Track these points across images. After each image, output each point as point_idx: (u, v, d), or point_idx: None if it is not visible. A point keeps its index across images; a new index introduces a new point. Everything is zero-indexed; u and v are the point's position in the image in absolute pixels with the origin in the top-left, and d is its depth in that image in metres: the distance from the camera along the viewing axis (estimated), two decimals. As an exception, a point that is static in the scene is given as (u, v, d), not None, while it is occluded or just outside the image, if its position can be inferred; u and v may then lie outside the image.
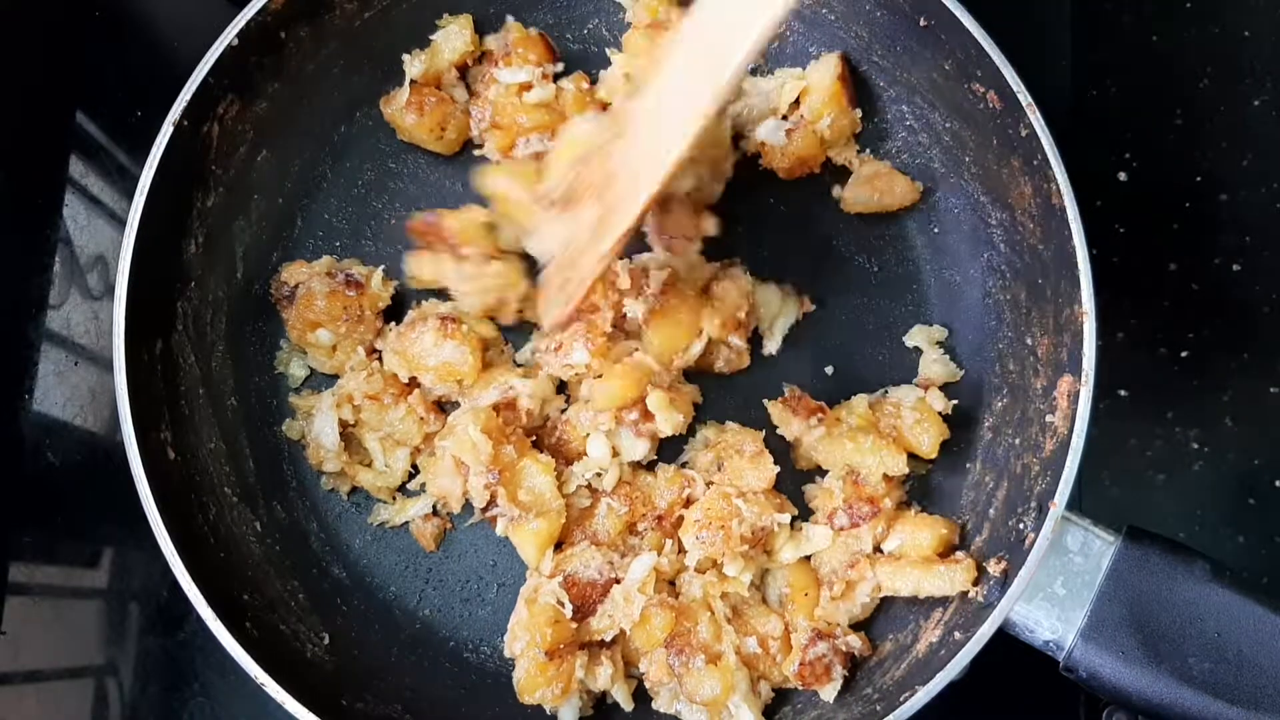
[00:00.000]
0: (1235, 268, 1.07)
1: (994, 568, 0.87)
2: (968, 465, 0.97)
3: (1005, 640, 0.83)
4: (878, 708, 0.85)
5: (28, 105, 1.15)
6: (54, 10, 1.17)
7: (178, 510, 0.88)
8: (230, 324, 1.00)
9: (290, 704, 0.83)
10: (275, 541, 0.97)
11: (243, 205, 1.00)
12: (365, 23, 1.02)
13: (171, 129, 0.91)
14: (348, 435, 0.99)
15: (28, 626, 1.02)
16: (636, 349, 0.96)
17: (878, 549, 0.94)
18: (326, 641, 0.95)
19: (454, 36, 1.02)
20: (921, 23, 0.93)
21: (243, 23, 0.92)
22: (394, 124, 1.02)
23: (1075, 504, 1.01)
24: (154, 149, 0.90)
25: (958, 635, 0.85)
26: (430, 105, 1.01)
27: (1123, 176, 1.10)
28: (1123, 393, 1.06)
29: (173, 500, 0.88)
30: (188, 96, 0.91)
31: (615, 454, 0.95)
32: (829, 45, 1.02)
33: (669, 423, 0.94)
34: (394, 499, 0.99)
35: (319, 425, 0.98)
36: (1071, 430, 0.84)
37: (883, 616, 0.96)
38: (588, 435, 0.96)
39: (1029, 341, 0.94)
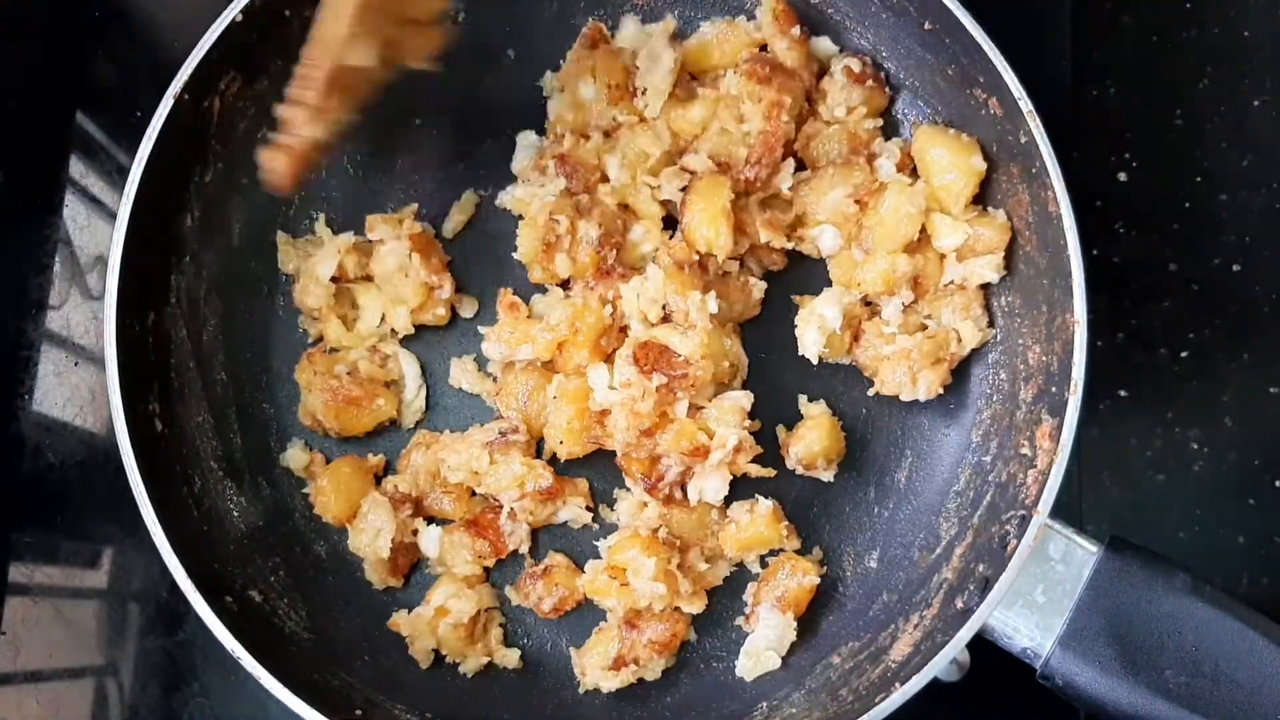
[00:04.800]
0: (1235, 268, 1.08)
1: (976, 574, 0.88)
2: (958, 472, 0.97)
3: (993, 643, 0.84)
4: (852, 708, 0.85)
5: (28, 105, 1.15)
6: (54, 10, 1.17)
7: (162, 481, 0.89)
8: (224, 299, 1.00)
9: (265, 678, 0.83)
10: (258, 517, 0.98)
11: (241, 182, 1.00)
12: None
13: (172, 101, 0.90)
14: (338, 291, 1.01)
15: (28, 626, 1.02)
16: None
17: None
18: (305, 617, 0.95)
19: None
20: (926, 26, 0.93)
21: None
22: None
23: (1076, 504, 1.02)
24: (153, 121, 0.90)
25: (937, 639, 0.85)
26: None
27: (1123, 176, 1.10)
28: (1123, 393, 1.06)
29: (157, 471, 0.88)
30: (189, 71, 0.91)
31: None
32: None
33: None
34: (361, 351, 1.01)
35: (320, 258, 1.00)
36: (1059, 440, 0.84)
37: (862, 620, 0.96)
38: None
39: (1019, 349, 0.94)
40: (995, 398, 0.96)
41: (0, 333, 1.09)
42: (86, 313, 1.10)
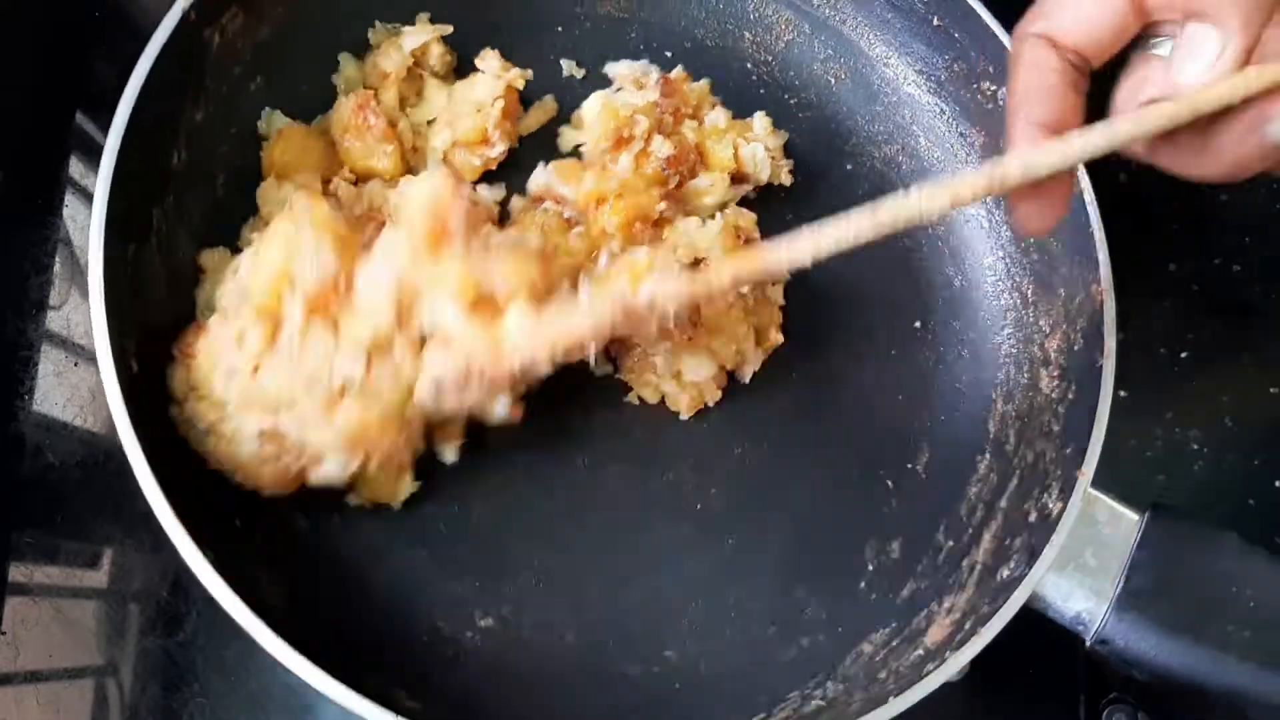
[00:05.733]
0: (1235, 268, 1.08)
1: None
2: (977, 460, 0.97)
3: (1006, 635, 0.83)
4: (890, 687, 0.82)
5: (28, 105, 1.15)
6: (54, 10, 1.17)
7: (142, 419, 0.82)
8: (201, 248, 0.95)
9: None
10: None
11: (228, 130, 0.98)
12: None
13: (180, 13, 0.88)
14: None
15: (28, 626, 1.02)
16: None
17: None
18: (285, 593, 0.88)
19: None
20: (935, 22, 0.94)
21: None
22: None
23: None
24: (158, 32, 0.87)
25: (983, 611, 0.82)
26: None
27: (1123, 177, 1.10)
28: (1122, 393, 1.06)
29: (137, 409, 0.82)
30: None
31: None
32: (835, 48, 1.02)
33: None
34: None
35: (411, 31, 0.99)
36: (1098, 398, 0.83)
37: (890, 608, 0.94)
38: None
39: (1036, 339, 0.94)
40: (1014, 390, 0.95)
41: (0, 333, 1.09)
42: (87, 313, 1.09)
